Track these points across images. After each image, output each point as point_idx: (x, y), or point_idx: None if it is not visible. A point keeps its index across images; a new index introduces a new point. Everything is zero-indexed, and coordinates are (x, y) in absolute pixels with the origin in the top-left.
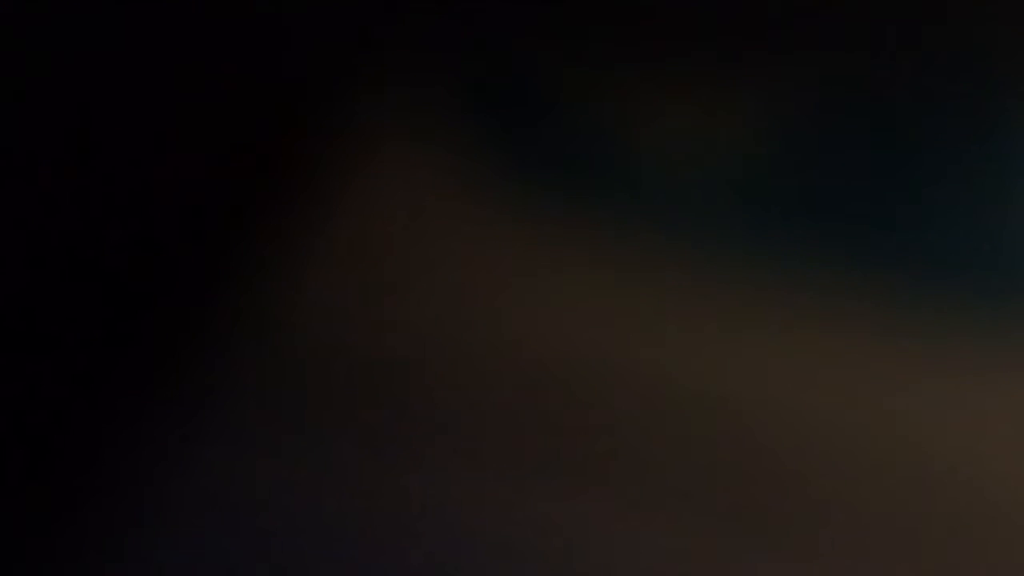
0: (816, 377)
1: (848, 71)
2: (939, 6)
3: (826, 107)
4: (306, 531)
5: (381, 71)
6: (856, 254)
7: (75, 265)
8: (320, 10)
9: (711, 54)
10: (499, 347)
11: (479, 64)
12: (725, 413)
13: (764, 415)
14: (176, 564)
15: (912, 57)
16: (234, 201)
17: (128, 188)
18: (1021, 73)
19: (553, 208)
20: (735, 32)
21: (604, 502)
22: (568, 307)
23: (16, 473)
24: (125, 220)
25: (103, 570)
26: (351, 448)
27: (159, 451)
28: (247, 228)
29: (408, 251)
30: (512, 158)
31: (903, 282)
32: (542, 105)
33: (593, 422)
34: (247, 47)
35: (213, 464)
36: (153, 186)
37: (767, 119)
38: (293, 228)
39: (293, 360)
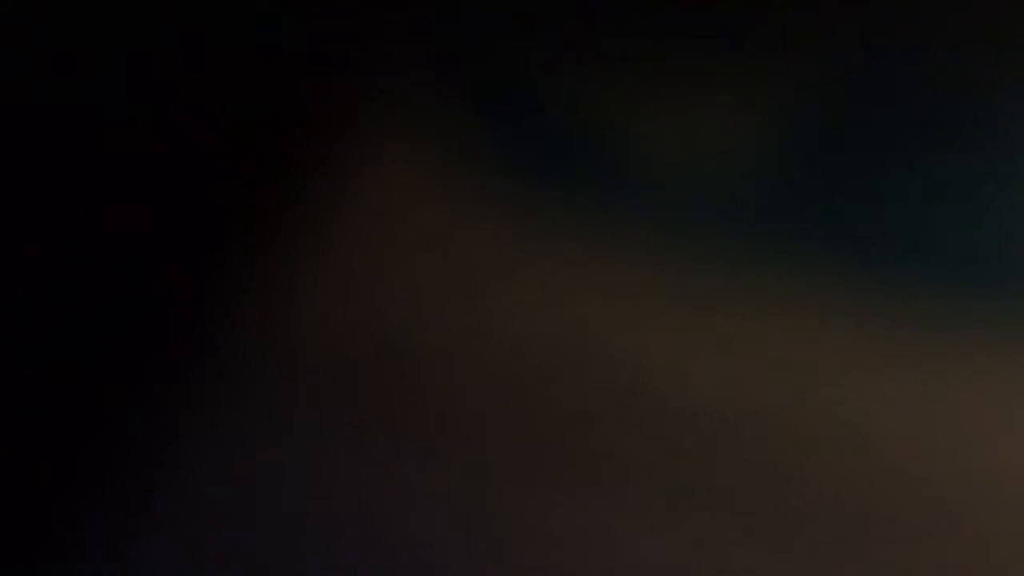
0: (813, 376)
1: (848, 71)
2: (939, 6)
3: (825, 107)
4: (303, 529)
5: (381, 70)
6: (854, 253)
7: (74, 262)
8: (320, 10)
9: (710, 54)
10: (498, 346)
11: (479, 64)
12: (723, 412)
13: (762, 414)
14: (174, 563)
15: (912, 56)
16: (234, 200)
17: (128, 188)
18: (1021, 72)
19: (552, 207)
20: (733, 32)
21: (600, 501)
22: (567, 306)
23: (14, 472)
24: (124, 219)
25: (102, 569)
26: (349, 447)
27: (157, 450)
28: (247, 227)
29: (407, 250)
30: (511, 158)
31: (901, 280)
32: (541, 105)
33: (588, 421)
34: (247, 47)
35: (210, 463)
36: (153, 186)
37: (766, 119)
38: (293, 227)
39: (291, 358)
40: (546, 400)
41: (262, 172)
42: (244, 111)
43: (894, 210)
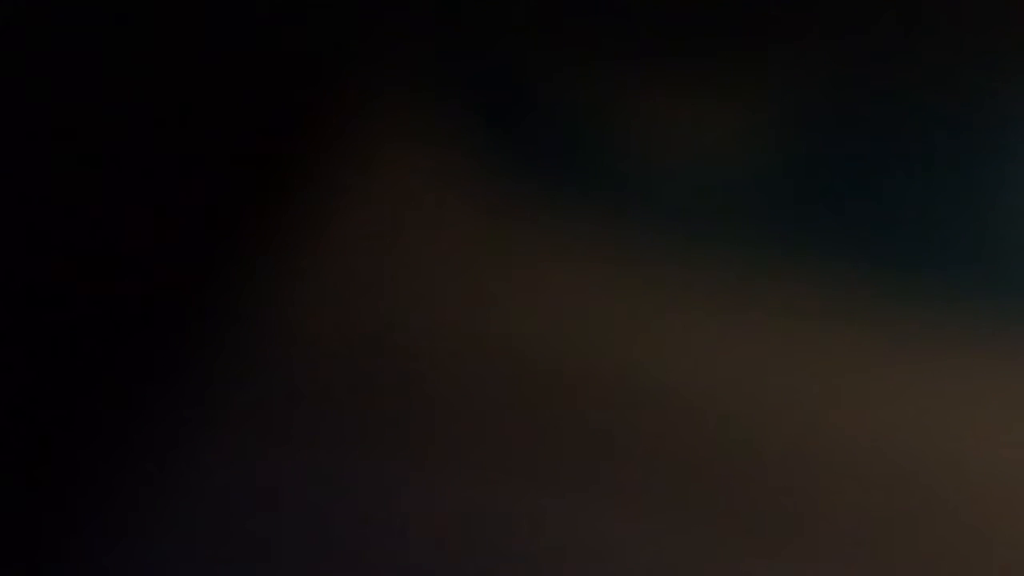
0: (814, 376)
1: (848, 69)
2: (939, 5)
3: (825, 106)
4: (302, 529)
5: (381, 70)
6: (854, 253)
7: (74, 262)
8: (320, 10)
9: (711, 54)
10: (498, 346)
11: (478, 64)
12: (723, 412)
13: (762, 414)
14: (174, 562)
15: (912, 56)
16: (234, 200)
17: (129, 189)
18: (1021, 72)
19: (551, 207)
20: (735, 32)
21: (600, 501)
22: (566, 306)
23: (14, 472)
24: (124, 220)
25: (102, 569)
26: (349, 447)
27: (157, 450)
28: (247, 228)
29: (407, 250)
30: (511, 158)
31: (902, 280)
32: (541, 105)
33: (588, 421)
34: (247, 48)
35: (210, 463)
36: (153, 186)
37: (766, 119)
38: (293, 228)
39: (291, 358)
40: (545, 400)
41: (262, 172)
42: (243, 111)
43: (895, 210)
